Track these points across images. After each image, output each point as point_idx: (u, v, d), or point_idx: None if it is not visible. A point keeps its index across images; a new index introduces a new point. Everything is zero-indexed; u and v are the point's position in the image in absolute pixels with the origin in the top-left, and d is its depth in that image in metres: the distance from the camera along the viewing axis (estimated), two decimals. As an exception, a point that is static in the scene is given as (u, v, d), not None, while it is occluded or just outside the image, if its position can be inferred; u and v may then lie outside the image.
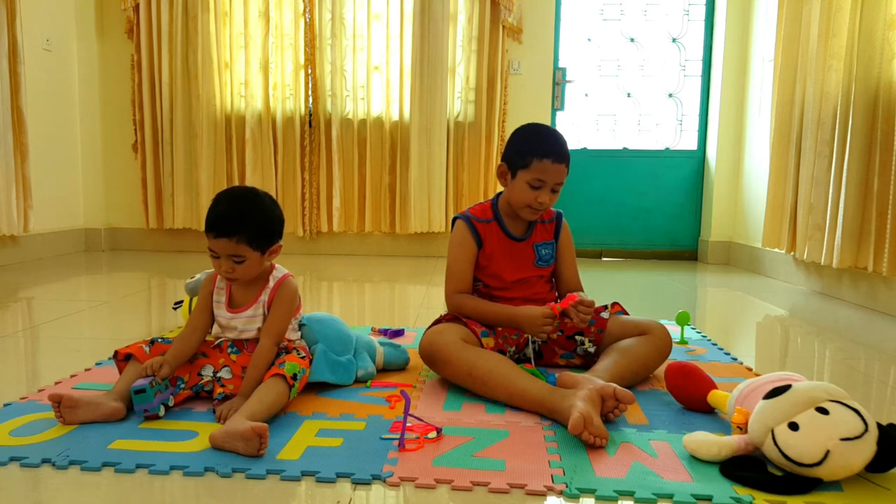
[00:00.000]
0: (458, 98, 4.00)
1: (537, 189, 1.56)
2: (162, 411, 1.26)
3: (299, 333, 1.51)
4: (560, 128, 4.15)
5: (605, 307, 1.70)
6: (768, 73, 3.50)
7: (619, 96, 4.22)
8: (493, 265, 1.65)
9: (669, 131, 4.23)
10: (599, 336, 1.63)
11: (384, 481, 1.04)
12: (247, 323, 1.40)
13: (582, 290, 1.73)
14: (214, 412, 1.28)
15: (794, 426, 1.04)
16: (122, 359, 1.35)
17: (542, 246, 1.69)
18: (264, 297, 1.39)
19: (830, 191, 2.76)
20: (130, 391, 1.24)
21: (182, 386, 1.34)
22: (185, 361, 1.37)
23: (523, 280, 1.67)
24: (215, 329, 1.43)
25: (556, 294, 1.75)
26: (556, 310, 1.49)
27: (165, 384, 1.30)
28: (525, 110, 4.00)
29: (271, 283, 1.40)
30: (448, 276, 1.66)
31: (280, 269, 1.43)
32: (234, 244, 1.31)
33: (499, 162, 1.69)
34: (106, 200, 4.13)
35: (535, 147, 1.56)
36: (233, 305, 1.41)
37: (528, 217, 1.64)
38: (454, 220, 1.70)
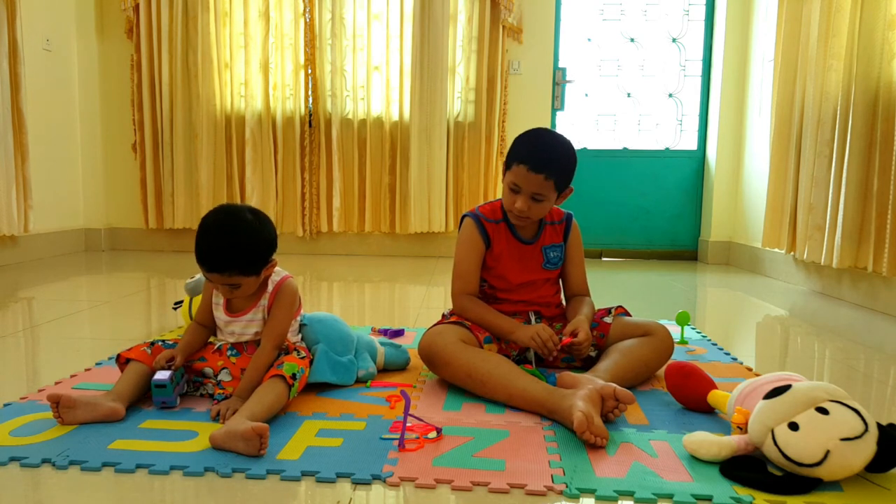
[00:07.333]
0: (458, 98, 4.00)
1: (515, 193, 1.52)
2: (177, 402, 1.31)
3: (300, 336, 1.51)
4: (560, 128, 4.15)
5: (609, 311, 1.67)
6: (768, 73, 3.50)
7: (619, 96, 4.21)
8: (500, 266, 1.63)
9: (669, 131, 4.23)
10: (602, 340, 1.61)
11: (384, 481, 1.04)
12: (245, 327, 1.39)
13: (588, 293, 1.71)
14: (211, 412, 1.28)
15: (794, 426, 1.04)
16: (124, 362, 1.35)
17: (550, 248, 1.66)
18: (264, 301, 1.39)
19: (830, 191, 2.76)
20: (151, 384, 1.29)
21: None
22: (192, 355, 1.39)
23: (529, 283, 1.65)
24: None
25: (562, 297, 1.73)
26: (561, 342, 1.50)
27: (181, 373, 1.35)
28: (525, 110, 4.00)
29: (270, 287, 1.39)
30: (455, 276, 1.63)
31: (279, 272, 1.41)
32: (226, 277, 1.31)
33: (500, 162, 1.68)
34: (106, 200, 4.13)
35: (519, 151, 1.52)
36: (231, 310, 1.40)
37: (514, 221, 1.60)
38: (463, 217, 1.66)
